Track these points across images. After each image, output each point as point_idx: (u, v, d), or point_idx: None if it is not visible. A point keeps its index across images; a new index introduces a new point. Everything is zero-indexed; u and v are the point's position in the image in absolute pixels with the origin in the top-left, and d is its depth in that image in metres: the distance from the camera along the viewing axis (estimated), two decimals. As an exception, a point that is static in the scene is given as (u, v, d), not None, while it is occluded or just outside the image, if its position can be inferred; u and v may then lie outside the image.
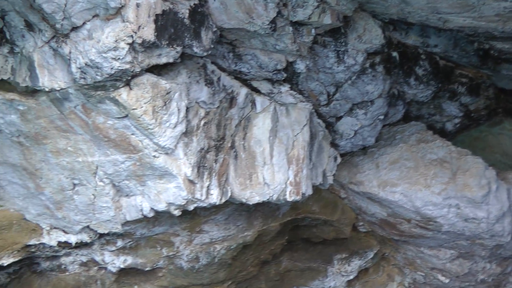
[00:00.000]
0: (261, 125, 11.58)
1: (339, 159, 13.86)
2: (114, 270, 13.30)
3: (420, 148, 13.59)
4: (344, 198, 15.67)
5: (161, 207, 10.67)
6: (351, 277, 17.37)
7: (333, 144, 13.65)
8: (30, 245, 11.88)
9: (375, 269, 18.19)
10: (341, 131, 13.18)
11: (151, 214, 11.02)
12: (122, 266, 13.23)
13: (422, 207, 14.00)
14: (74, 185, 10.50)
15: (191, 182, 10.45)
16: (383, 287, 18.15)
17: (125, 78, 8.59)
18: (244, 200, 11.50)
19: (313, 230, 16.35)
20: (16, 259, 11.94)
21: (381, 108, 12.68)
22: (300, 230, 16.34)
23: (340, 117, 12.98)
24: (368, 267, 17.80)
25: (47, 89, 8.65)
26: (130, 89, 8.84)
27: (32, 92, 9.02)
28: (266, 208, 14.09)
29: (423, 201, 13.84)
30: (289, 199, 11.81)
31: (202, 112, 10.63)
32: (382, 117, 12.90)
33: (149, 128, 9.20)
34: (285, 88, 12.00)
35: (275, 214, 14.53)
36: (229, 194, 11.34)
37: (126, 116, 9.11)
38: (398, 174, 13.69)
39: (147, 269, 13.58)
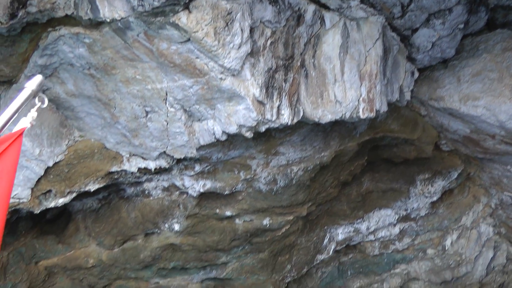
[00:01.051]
0: (331, 42, 11.21)
1: (416, 74, 13.24)
2: (194, 194, 13.90)
3: (506, 57, 12.61)
4: (425, 116, 15.10)
5: (233, 129, 10.82)
6: (435, 198, 17.05)
7: (410, 59, 13.02)
8: (112, 172, 12.63)
9: (460, 190, 17.68)
10: (417, 44, 12.49)
11: (224, 137, 11.24)
12: (202, 190, 13.78)
13: (507, 121, 13.19)
14: (147, 112, 10.87)
15: (260, 102, 10.46)
16: (468, 209, 17.68)
17: (183, 2, 8.57)
18: (316, 119, 11.36)
19: (394, 149, 16.02)
20: (101, 185, 12.79)
21: (460, 16, 11.80)
22: (380, 150, 16.07)
23: (416, 29, 12.25)
24: (452, 188, 17.34)
25: (108, 20, 8.82)
26: (190, 12, 8.82)
27: (96, 24, 9.25)
28: (342, 128, 13.93)
29: (508, 115, 13.01)
30: (362, 116, 11.53)
31: (268, 32, 10.43)
32: (461, 25, 12.02)
33: (212, 50, 9.20)
34: (355, 2, 11.43)
35: (352, 133, 14.34)
36: (301, 114, 11.23)
37: (188, 40, 9.15)
38: (480, 87, 12.89)
39: (226, 192, 14.05)
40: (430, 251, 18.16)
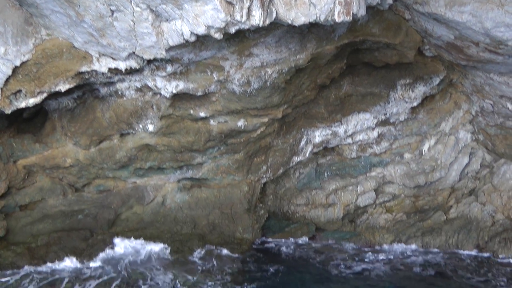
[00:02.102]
0: None
1: (399, -24, 12.97)
2: (167, 95, 14.14)
3: (495, -40, 12.33)
4: (409, 20, 14.99)
5: (201, 30, 10.87)
6: (415, 103, 17.34)
7: (393, -41, 12.71)
8: (83, 72, 12.78)
9: (442, 96, 17.94)
10: None
11: (193, 38, 11.30)
12: (174, 91, 14.01)
13: (492, 29, 13.16)
14: (112, 11, 10.83)
15: (229, 3, 10.43)
16: (448, 115, 18.04)
17: None
18: (289, 21, 11.32)
19: (375, 54, 16.06)
20: (72, 85, 12.98)
21: None
22: (361, 54, 16.11)
23: None
24: (433, 94, 17.58)
25: None
26: None
27: None
28: (320, 30, 13.88)
29: (494, 22, 12.95)
30: (338, 20, 11.49)
31: None
32: None
33: None
34: None
35: (330, 36, 14.31)
36: (274, 15, 11.18)
37: None
38: (467, -8, 12.72)
39: (199, 94, 14.30)
40: (407, 156, 18.78)
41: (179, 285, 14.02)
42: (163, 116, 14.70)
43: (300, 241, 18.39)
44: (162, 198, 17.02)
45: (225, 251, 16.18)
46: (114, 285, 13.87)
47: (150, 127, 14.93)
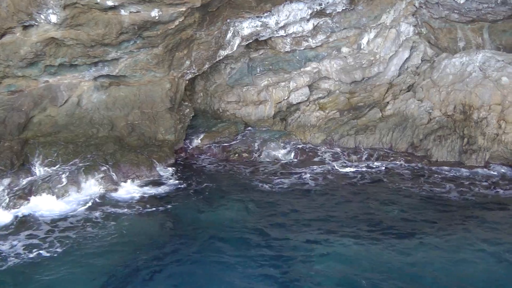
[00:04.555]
0: None
1: None
2: (67, -19, 13.44)
3: None
4: None
5: None
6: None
7: None
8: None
9: (383, -17, 17.67)
10: None
11: None
12: (74, -23, 13.29)
13: None
14: None
15: None
16: (390, 7, 17.81)
17: None
18: None
19: None
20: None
21: None
22: None
23: None
24: (373, -20, 17.28)
25: None
26: None
27: None
28: None
29: None
30: None
31: None
32: None
33: None
34: None
35: None
36: None
37: None
38: None
39: (104, -20, 13.60)
40: (344, 50, 18.74)
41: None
42: (67, 4, 14.11)
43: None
44: (77, 98, 16.73)
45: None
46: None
47: (53, 18, 14.36)
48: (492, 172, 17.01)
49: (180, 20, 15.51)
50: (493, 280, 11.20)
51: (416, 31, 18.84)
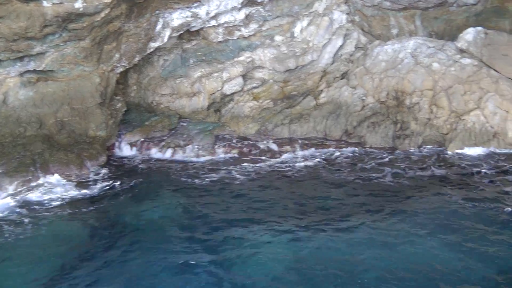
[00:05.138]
0: None
1: None
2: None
3: None
4: None
5: None
6: (283, -21, 17.24)
7: None
8: None
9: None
10: None
11: None
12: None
13: None
14: None
15: None
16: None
17: None
18: None
19: None
20: None
21: None
22: None
23: None
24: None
25: None
26: None
27: None
28: None
29: None
30: None
31: None
32: None
33: None
34: None
35: None
36: None
37: None
38: None
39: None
40: (277, 38, 18.94)
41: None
42: (-16, -4, 13.75)
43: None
44: (3, 96, 16.30)
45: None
46: None
47: (-32, 10, 13.97)
48: (424, 154, 17.55)
49: (106, 11, 15.35)
50: (428, 265, 11.51)
51: (349, 19, 19.20)
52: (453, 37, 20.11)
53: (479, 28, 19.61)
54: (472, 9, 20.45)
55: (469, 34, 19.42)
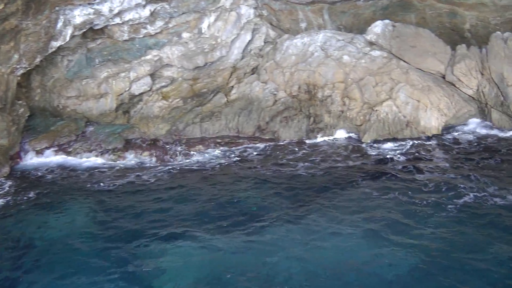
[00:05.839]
0: None
1: None
2: None
3: None
4: None
5: None
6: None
7: None
8: None
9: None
10: None
11: None
12: None
13: None
14: None
15: None
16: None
17: None
18: None
19: None
20: None
21: None
22: None
23: None
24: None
25: None
26: None
27: None
28: None
29: None
30: None
31: None
32: None
33: None
34: None
35: None
36: None
37: None
38: None
39: None
40: (185, 35, 18.90)
41: None
42: None
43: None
44: None
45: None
46: None
47: None
48: (339, 146, 17.85)
49: (1, 7, 14.83)
50: (351, 263, 11.59)
51: (257, 13, 19.39)
52: (361, 30, 20.76)
53: (387, 21, 20.34)
54: (378, 3, 21.16)
55: (377, 27, 20.09)
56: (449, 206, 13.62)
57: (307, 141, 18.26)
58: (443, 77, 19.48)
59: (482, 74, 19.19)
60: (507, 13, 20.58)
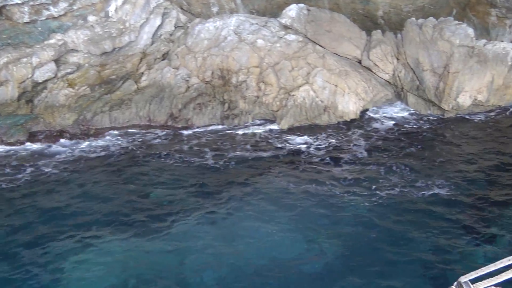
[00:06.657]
0: None
1: None
2: None
3: None
4: None
5: None
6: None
7: None
8: None
9: None
10: None
11: None
12: None
13: None
14: None
15: None
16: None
17: None
18: None
19: None
20: None
21: None
22: None
23: None
24: None
25: None
26: None
27: None
28: None
29: None
30: None
31: None
32: None
33: None
34: None
35: None
36: None
37: None
38: None
39: None
40: (91, 18, 18.29)
41: None
42: None
43: None
44: None
45: None
46: None
47: None
48: (254, 132, 17.81)
49: None
50: (273, 257, 11.64)
51: (167, -3, 18.96)
52: (274, 15, 20.77)
53: (301, 5, 20.41)
54: (291, -12, 21.12)
55: (292, 10, 20.12)
56: (372, 198, 13.86)
57: (221, 127, 18.09)
58: (360, 62, 19.80)
59: (397, 59, 19.67)
60: (418, 1, 21.18)
